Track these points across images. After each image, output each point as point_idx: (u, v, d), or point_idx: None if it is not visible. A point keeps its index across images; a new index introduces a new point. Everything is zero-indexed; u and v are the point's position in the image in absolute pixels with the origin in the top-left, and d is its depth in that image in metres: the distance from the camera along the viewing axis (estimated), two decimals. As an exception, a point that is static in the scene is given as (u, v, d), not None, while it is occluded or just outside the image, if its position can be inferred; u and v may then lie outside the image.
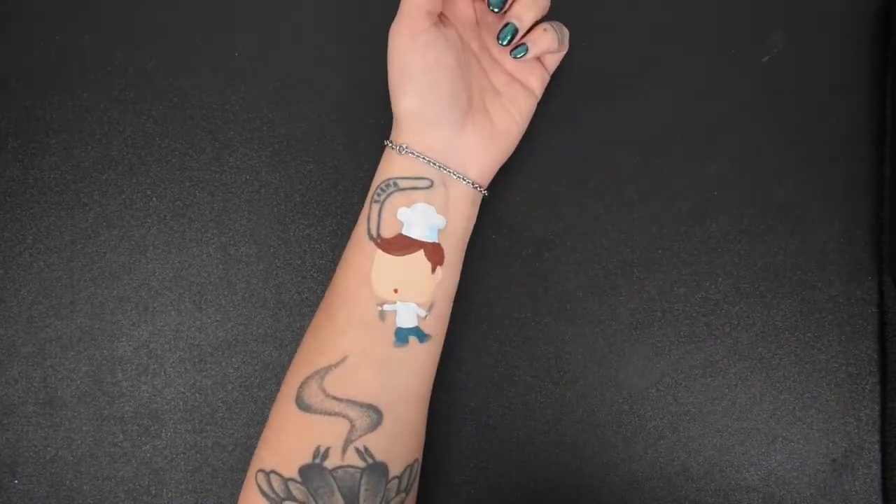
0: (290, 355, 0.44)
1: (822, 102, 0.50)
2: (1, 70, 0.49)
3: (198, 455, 0.47)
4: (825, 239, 0.48)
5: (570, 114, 0.49)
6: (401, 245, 0.41)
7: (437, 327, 0.42)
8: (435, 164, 0.42)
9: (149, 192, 0.49)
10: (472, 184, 0.43)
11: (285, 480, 0.39)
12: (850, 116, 0.50)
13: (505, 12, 0.41)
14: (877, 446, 0.47)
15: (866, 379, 0.47)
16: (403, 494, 0.40)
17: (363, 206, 0.49)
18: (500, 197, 0.48)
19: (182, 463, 0.47)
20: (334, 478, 0.38)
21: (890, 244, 0.47)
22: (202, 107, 0.49)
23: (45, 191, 0.48)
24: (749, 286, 0.48)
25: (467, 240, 0.44)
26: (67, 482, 0.46)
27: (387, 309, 0.40)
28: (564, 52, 0.45)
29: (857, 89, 0.50)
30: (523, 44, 0.42)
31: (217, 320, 0.48)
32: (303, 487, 0.38)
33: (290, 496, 0.38)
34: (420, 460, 0.42)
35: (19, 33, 0.49)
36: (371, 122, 0.49)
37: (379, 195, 0.42)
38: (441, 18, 0.42)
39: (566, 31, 0.43)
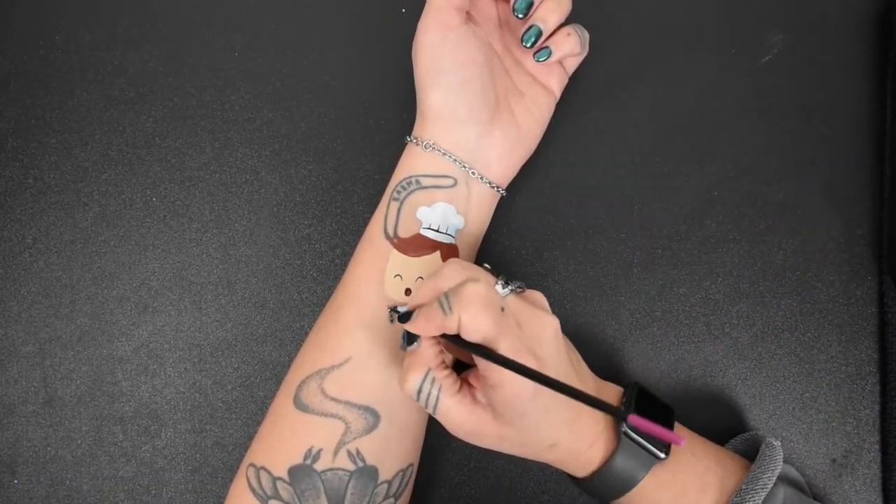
0: (290, 355, 0.44)
1: (822, 102, 0.50)
2: (1, 70, 0.49)
3: (198, 455, 0.47)
4: (825, 239, 0.48)
5: (570, 114, 0.49)
6: (417, 246, 0.41)
7: None
8: (460, 162, 0.41)
9: (149, 192, 0.49)
10: (494, 185, 0.43)
11: (274, 479, 0.39)
12: (850, 116, 0.49)
13: (529, 16, 0.41)
14: (877, 446, 0.47)
15: (866, 379, 0.47)
16: (392, 499, 0.40)
17: (365, 205, 0.49)
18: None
19: (182, 463, 0.47)
20: (322, 480, 0.38)
21: (890, 244, 0.47)
22: (202, 107, 0.49)
23: (45, 191, 0.48)
24: (749, 286, 0.48)
25: (480, 241, 0.44)
26: (67, 482, 0.46)
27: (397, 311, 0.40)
28: (584, 56, 0.45)
29: (857, 89, 0.50)
30: (546, 47, 0.41)
31: (217, 320, 0.48)
32: (290, 488, 0.38)
33: (276, 495, 0.38)
34: (415, 465, 0.42)
35: (19, 33, 0.49)
36: (371, 122, 0.49)
37: (399, 193, 0.41)
38: (468, 16, 0.42)
39: (587, 35, 0.43)
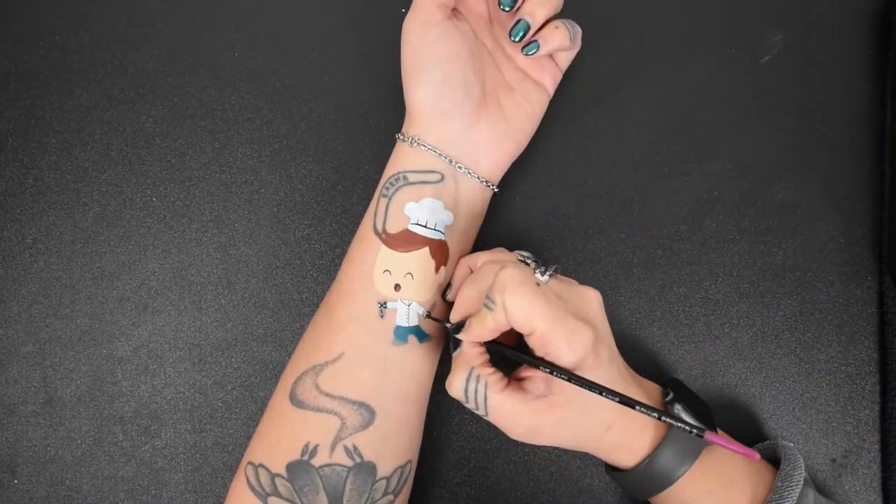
0: (290, 355, 0.44)
1: (822, 102, 0.50)
2: (1, 70, 0.49)
3: (198, 455, 0.47)
4: (825, 239, 0.48)
5: (570, 114, 0.49)
6: (406, 241, 0.41)
7: (438, 327, 0.42)
8: (446, 157, 0.42)
9: (149, 192, 0.49)
10: (483, 181, 0.43)
11: (272, 475, 0.39)
12: (850, 116, 0.50)
13: (517, 10, 0.41)
14: (877, 446, 0.47)
15: (866, 379, 0.47)
16: (392, 496, 0.40)
17: (364, 205, 0.49)
18: (500, 197, 0.48)
19: (182, 463, 0.47)
20: (320, 476, 0.38)
21: (890, 244, 0.47)
22: (202, 107, 0.49)
23: (45, 191, 0.48)
24: (749, 286, 0.48)
25: (475, 237, 0.44)
26: (67, 482, 0.46)
27: (388, 306, 0.40)
28: (576, 51, 0.45)
29: (857, 89, 0.50)
30: (535, 41, 0.41)
31: (217, 320, 0.48)
32: (289, 484, 0.38)
33: (275, 492, 0.38)
34: (414, 462, 0.42)
35: (19, 33, 0.49)
36: (371, 122, 0.49)
37: (388, 189, 0.42)
38: (455, 13, 0.42)
39: (578, 30, 0.43)
